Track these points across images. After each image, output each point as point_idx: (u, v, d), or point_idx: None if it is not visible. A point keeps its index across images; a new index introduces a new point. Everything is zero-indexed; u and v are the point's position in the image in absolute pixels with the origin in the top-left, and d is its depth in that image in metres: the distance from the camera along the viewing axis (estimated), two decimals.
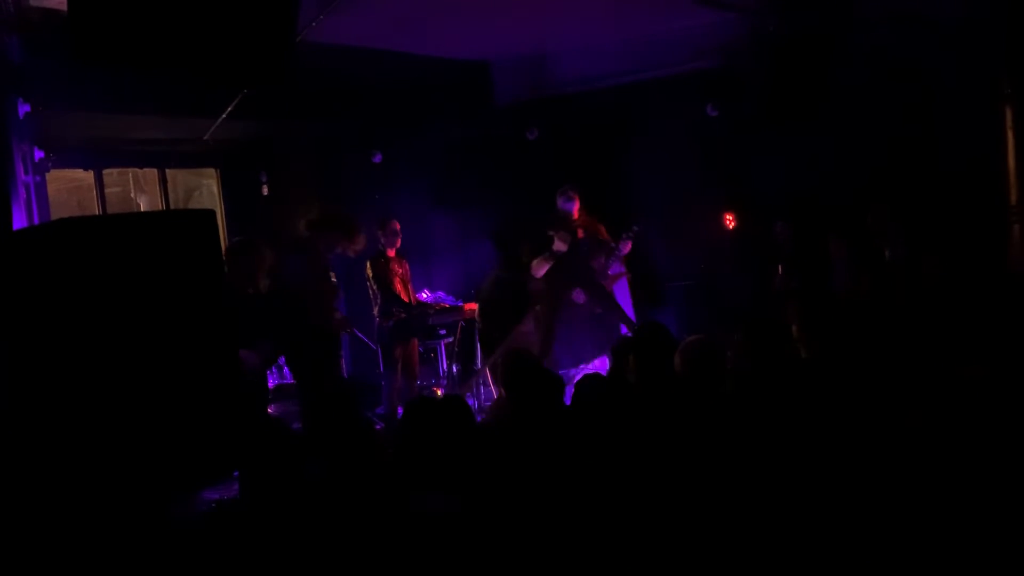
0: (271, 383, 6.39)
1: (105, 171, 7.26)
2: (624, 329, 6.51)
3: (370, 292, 7.03)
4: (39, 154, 5.19)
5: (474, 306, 7.25)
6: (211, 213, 3.13)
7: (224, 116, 6.21)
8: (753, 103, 6.42)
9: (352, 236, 6.10)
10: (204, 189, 8.38)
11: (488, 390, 7.22)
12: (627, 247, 6.76)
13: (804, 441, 2.83)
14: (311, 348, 5.81)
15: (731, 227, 7.43)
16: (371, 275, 6.96)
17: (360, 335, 7.72)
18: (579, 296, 6.58)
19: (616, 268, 6.98)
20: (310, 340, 5.81)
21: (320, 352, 5.85)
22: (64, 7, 3.26)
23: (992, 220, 5.95)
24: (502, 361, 3.95)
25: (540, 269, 6.44)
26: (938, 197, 6.01)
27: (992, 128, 5.93)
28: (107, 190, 7.28)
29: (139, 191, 8.21)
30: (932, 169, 6.15)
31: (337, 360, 6.13)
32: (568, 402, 3.71)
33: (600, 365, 6.49)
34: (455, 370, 7.61)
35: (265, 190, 7.89)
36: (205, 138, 6.76)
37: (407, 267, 7.14)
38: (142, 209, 8.00)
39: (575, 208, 6.66)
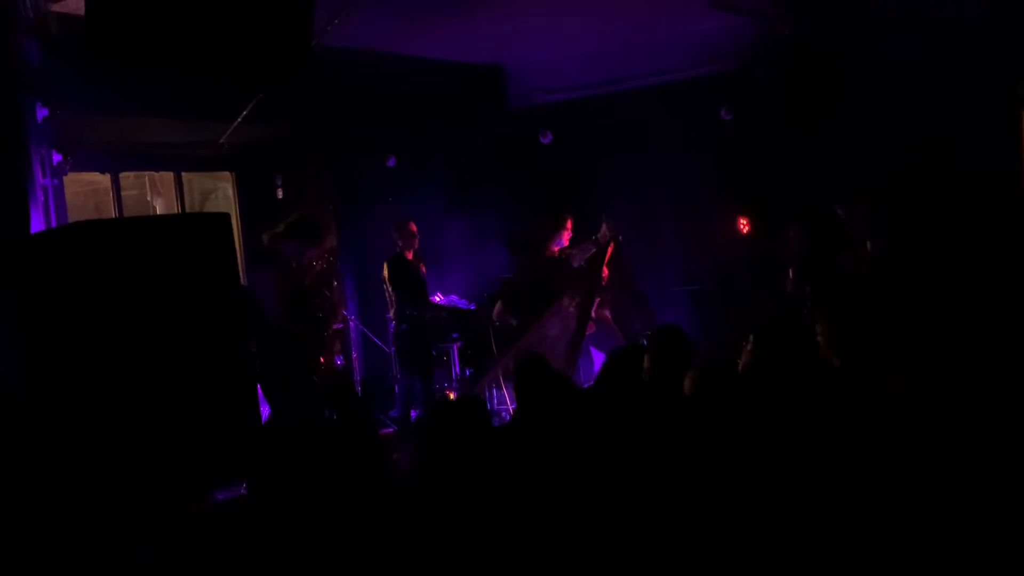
0: None
1: (122, 174, 7.31)
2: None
3: (386, 295, 7.04)
4: (57, 157, 5.22)
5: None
6: (226, 216, 3.16)
7: (240, 120, 6.24)
8: (767, 107, 6.39)
9: (318, 239, 5.77)
10: (220, 192, 8.43)
11: (500, 393, 7.22)
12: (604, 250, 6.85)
13: (819, 446, 2.82)
14: (278, 359, 5.45)
15: (745, 231, 7.40)
16: (387, 277, 6.95)
17: (374, 338, 7.75)
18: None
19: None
20: (278, 351, 5.45)
21: (288, 365, 5.49)
22: (83, 12, 3.29)
23: (1008, 225, 5.89)
24: (513, 364, 3.95)
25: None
26: (954, 202, 5.97)
27: (1009, 132, 5.89)
28: (124, 193, 7.33)
29: (155, 194, 8.27)
30: (948, 174, 6.10)
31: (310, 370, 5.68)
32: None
33: None
34: (467, 373, 7.62)
35: (280, 193, 7.93)
36: (221, 142, 6.80)
37: (423, 270, 7.15)
38: (158, 212, 8.06)
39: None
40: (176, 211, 7.60)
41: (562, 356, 6.33)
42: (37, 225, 3.78)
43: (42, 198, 4.37)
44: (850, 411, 2.93)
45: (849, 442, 2.78)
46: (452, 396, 7.23)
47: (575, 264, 6.69)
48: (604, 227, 6.59)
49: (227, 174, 8.10)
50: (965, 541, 2.44)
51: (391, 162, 7.99)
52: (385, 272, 6.97)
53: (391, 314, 7.06)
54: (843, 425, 2.86)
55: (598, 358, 6.90)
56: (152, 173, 8.02)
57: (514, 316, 6.79)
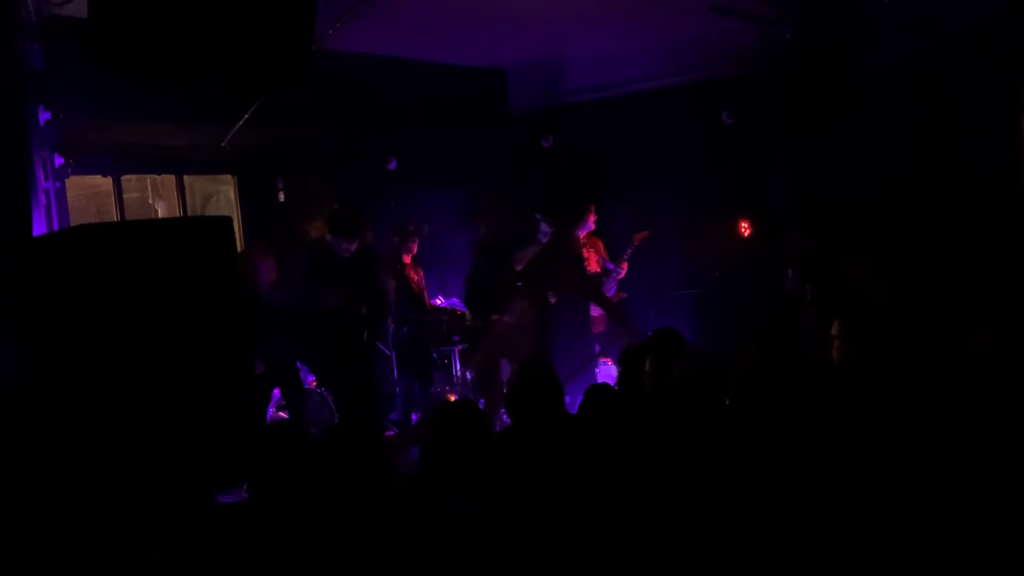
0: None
1: (123, 177, 7.32)
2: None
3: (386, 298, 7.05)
4: (59, 160, 5.23)
5: None
6: (227, 220, 3.17)
7: (241, 123, 6.25)
8: (769, 111, 6.40)
9: (357, 233, 6.03)
10: (221, 195, 8.44)
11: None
12: (624, 269, 6.89)
13: (817, 449, 2.82)
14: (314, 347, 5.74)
15: (746, 235, 7.41)
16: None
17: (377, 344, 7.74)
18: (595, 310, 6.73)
19: (612, 290, 7.02)
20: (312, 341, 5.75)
21: (328, 352, 5.77)
22: (84, 15, 3.30)
23: (1013, 232, 5.89)
24: (512, 372, 3.94)
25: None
26: (957, 208, 5.96)
27: (1010, 137, 5.88)
28: (125, 196, 7.33)
29: (157, 197, 8.27)
30: (951, 179, 6.10)
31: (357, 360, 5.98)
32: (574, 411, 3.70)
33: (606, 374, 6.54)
34: (468, 376, 7.61)
35: (282, 196, 7.93)
36: (223, 145, 6.81)
37: (422, 274, 7.17)
38: (160, 215, 8.06)
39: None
40: (178, 214, 7.61)
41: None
42: (39, 228, 3.79)
43: (44, 201, 4.37)
44: (855, 409, 2.94)
45: (850, 440, 2.78)
46: (452, 398, 7.23)
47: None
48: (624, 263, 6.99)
49: (229, 177, 8.11)
50: (969, 542, 2.44)
51: (392, 165, 8.00)
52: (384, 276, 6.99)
53: (391, 317, 7.07)
54: (846, 423, 2.86)
55: (603, 362, 6.90)
56: (154, 176, 8.02)
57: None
